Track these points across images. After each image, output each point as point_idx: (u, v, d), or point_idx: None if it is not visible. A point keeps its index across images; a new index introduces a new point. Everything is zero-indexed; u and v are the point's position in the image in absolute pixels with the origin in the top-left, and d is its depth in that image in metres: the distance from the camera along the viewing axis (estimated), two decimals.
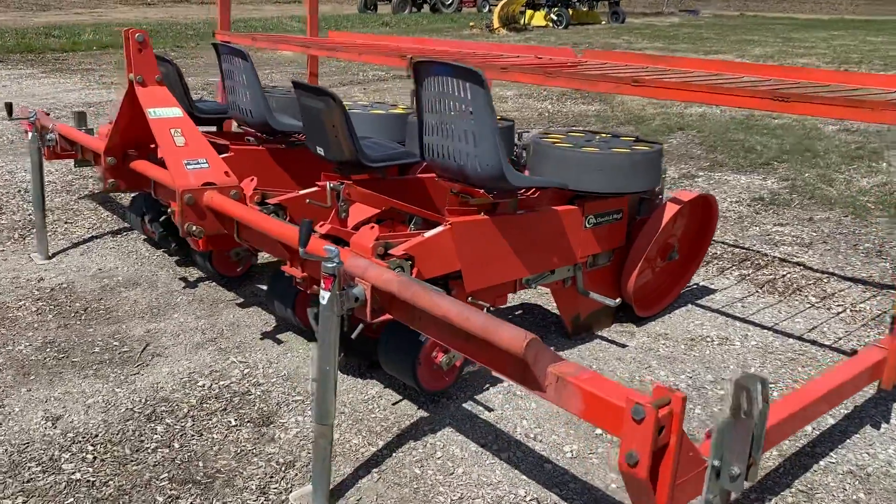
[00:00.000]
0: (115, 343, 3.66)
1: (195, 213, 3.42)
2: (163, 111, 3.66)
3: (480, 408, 3.19)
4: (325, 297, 2.26)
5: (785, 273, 4.83)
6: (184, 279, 4.56)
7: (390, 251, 2.83)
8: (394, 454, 2.84)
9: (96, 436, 2.90)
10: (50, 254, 4.74)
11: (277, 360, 3.53)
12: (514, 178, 3.00)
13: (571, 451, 2.89)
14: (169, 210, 3.83)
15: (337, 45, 5.21)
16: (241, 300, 4.29)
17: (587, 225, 3.54)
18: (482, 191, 3.16)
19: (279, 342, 3.73)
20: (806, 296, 4.47)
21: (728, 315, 4.18)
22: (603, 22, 29.72)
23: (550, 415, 3.11)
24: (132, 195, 5.10)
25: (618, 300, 3.61)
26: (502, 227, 3.16)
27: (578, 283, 3.59)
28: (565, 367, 1.92)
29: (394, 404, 3.20)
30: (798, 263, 5.00)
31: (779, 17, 37.60)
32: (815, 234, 5.58)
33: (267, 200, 3.50)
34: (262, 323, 3.96)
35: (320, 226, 3.25)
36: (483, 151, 2.92)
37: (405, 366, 3.05)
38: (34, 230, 4.97)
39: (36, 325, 3.81)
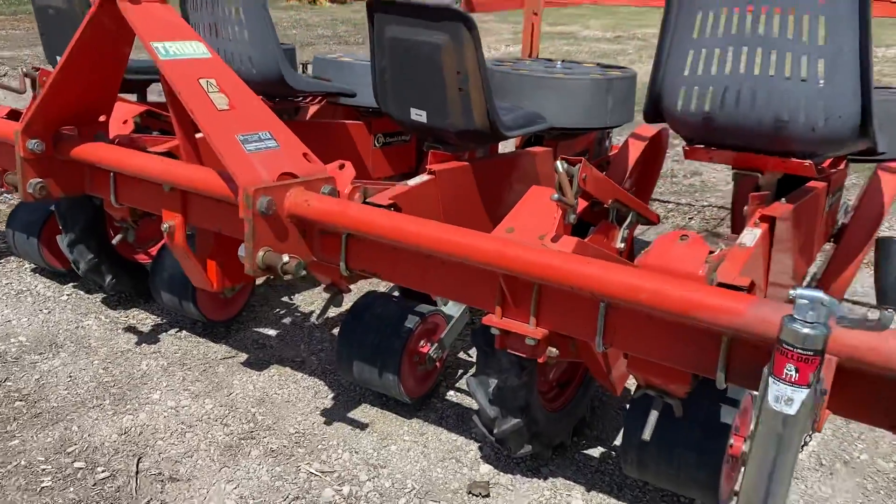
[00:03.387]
0: (71, 473, 2.70)
1: (274, 229, 2.18)
2: (182, 47, 2.23)
3: None
4: (794, 395, 1.40)
5: None
6: (134, 330, 3.52)
7: (369, 199, 2.44)
8: None
9: None
10: None
11: (380, 457, 2.71)
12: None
13: None
14: (125, 224, 2.98)
15: None
16: (247, 354, 3.39)
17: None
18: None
19: (357, 423, 2.92)
20: None
21: None
22: None
23: None
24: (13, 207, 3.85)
25: None
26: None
27: None
28: None
29: None
30: None
31: None
32: None
33: (369, 199, 2.45)
34: (303, 387, 3.13)
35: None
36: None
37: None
38: None
39: None
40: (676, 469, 2.23)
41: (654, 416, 2.04)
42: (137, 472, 2.67)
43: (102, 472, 2.68)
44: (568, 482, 2.67)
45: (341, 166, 2.53)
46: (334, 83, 3.72)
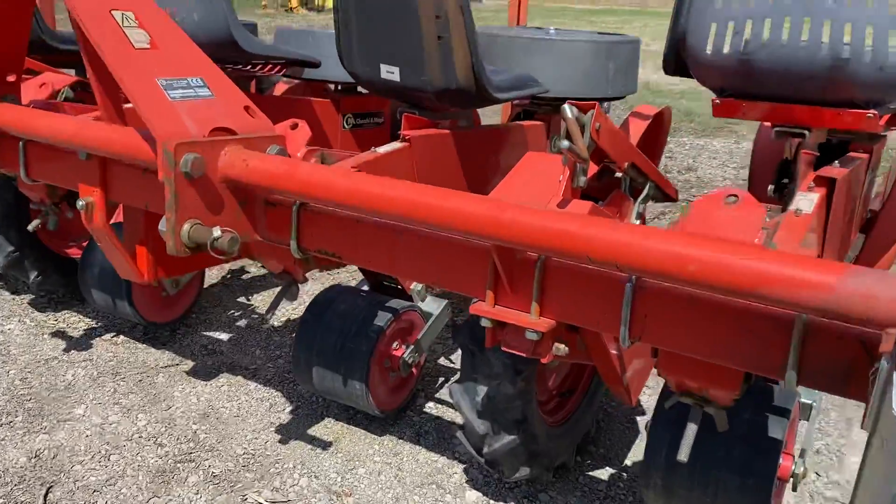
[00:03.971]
0: None
1: (204, 196, 1.72)
2: None
3: None
4: None
5: None
6: (62, 335, 3.06)
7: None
8: None
9: None
10: None
11: (345, 482, 2.26)
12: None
13: None
14: (44, 207, 2.59)
15: None
16: (193, 361, 2.92)
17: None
18: None
19: (319, 442, 2.47)
20: None
21: None
22: None
23: None
24: None
25: None
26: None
27: None
28: None
29: None
30: None
31: None
32: None
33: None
34: (256, 399, 2.69)
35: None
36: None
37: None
38: None
39: None
40: (713, 496, 1.78)
41: (691, 430, 1.59)
42: None
43: (3, 502, 2.18)
44: None
45: (294, 126, 2.06)
46: (296, 51, 3.26)
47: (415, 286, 2.51)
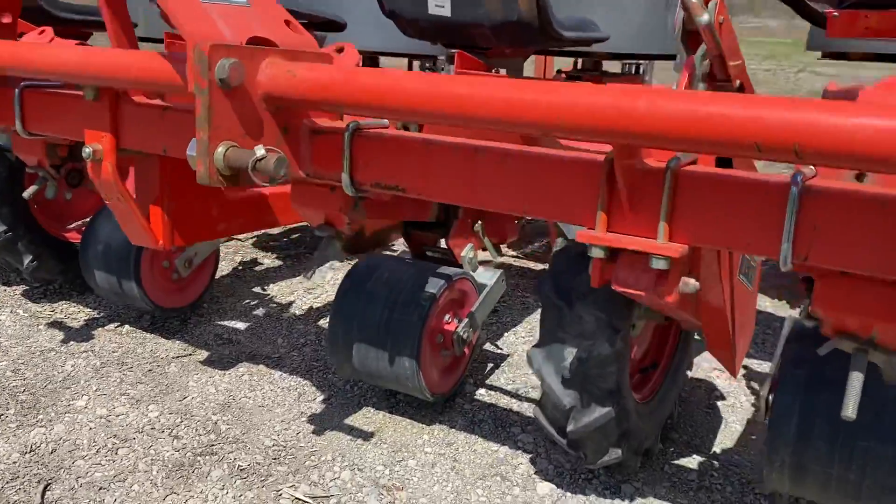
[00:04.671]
0: None
1: (241, 113, 1.39)
2: None
3: None
4: None
5: None
6: (60, 326, 2.74)
7: None
8: None
9: None
10: None
11: (395, 475, 1.97)
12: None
13: None
14: (41, 172, 2.28)
15: None
16: (207, 351, 2.58)
17: None
18: None
19: (359, 432, 2.13)
20: None
21: None
22: None
23: None
24: None
25: None
26: None
27: None
28: None
29: None
30: None
31: None
32: None
33: None
34: (282, 388, 2.38)
35: None
36: None
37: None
38: None
39: None
40: (860, 473, 1.47)
41: (857, 380, 1.27)
42: None
43: None
44: (664, 503, 1.88)
45: (340, 49, 1.77)
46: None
47: (466, 253, 2.21)
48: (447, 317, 2.16)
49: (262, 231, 4.01)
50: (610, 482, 1.94)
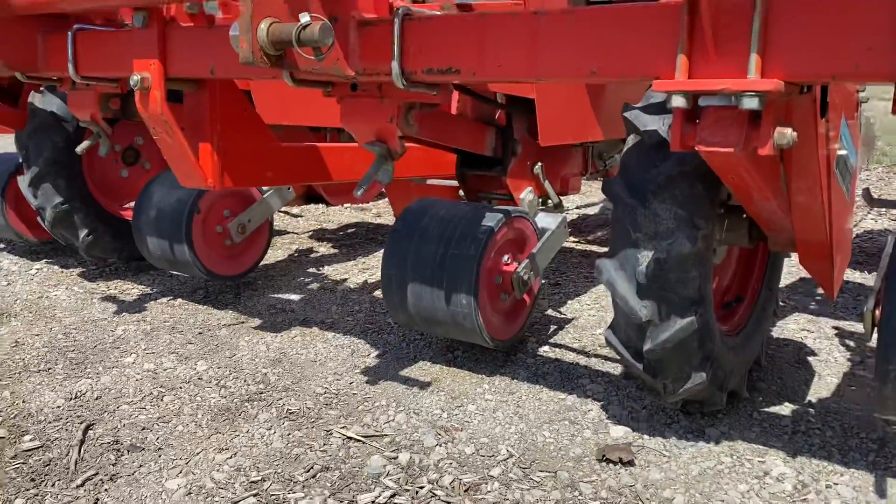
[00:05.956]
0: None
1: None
2: None
3: None
4: None
5: None
6: (114, 300, 2.70)
7: None
8: None
9: None
10: None
11: (453, 419, 2.00)
12: None
13: None
14: (95, 127, 2.18)
15: None
16: (260, 319, 2.50)
17: None
18: None
19: (415, 382, 2.00)
20: None
21: None
22: None
23: None
24: None
25: None
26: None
27: None
28: None
29: None
30: None
31: None
32: None
33: None
34: (335, 346, 2.25)
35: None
36: None
37: None
38: None
39: None
40: None
41: None
42: (83, 442, 1.74)
43: (31, 441, 1.75)
44: (755, 446, 1.67)
45: None
46: None
47: (525, 195, 2.08)
48: (506, 257, 2.02)
49: (319, 225, 3.95)
50: (692, 426, 1.75)
